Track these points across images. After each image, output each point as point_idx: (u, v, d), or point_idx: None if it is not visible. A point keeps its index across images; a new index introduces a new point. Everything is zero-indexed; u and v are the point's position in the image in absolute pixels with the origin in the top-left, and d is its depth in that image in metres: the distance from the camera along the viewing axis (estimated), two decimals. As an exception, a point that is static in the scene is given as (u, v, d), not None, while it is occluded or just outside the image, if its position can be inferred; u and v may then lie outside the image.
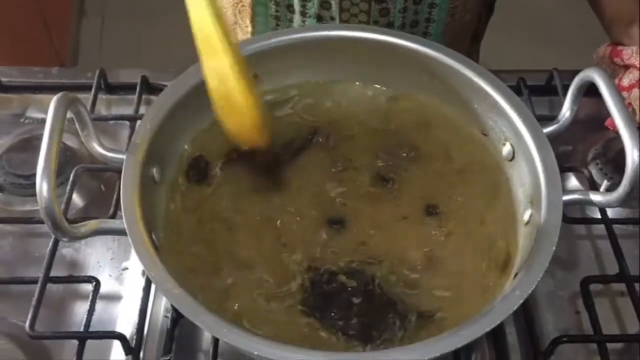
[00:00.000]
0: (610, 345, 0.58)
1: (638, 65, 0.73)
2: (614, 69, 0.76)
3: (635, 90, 0.73)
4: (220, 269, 0.56)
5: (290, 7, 0.76)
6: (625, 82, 0.74)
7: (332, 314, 0.53)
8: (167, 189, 0.59)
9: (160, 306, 0.62)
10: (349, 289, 0.54)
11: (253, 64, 0.65)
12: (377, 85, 0.68)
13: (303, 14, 0.76)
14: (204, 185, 0.60)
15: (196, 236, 0.57)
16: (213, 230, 0.58)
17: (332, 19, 0.76)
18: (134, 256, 0.65)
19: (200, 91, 0.61)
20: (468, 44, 0.86)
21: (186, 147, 0.62)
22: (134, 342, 0.58)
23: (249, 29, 0.80)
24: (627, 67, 0.75)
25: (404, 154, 0.64)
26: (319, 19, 0.76)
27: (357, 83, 0.68)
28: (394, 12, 0.75)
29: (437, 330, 0.52)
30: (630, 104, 0.74)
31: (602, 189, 0.68)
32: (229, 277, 0.55)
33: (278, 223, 0.58)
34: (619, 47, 0.75)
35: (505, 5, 0.90)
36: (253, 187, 0.61)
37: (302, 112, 0.67)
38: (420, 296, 0.55)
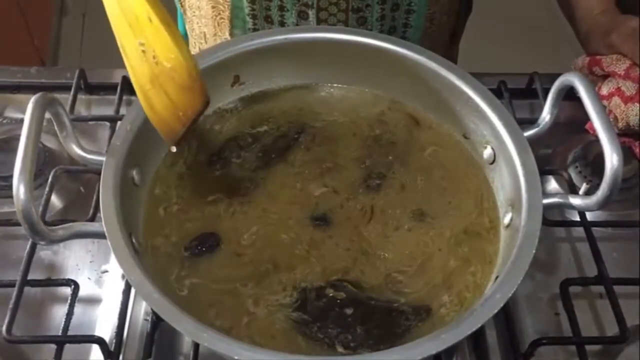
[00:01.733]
0: (589, 347, 0.59)
1: (619, 72, 0.73)
2: (592, 80, 0.77)
3: (616, 97, 0.74)
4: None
5: (268, 18, 0.76)
6: (605, 90, 0.75)
7: (329, 329, 0.53)
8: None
9: (140, 310, 0.62)
10: (338, 301, 0.54)
11: (235, 66, 0.65)
12: (360, 88, 0.68)
13: (281, 24, 0.77)
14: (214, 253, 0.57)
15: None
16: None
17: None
18: (113, 259, 0.64)
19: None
20: (446, 45, 0.87)
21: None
22: (113, 346, 0.57)
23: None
24: (605, 77, 0.76)
25: (388, 156, 0.64)
26: None
27: (341, 85, 0.68)
28: (372, 20, 0.75)
29: (438, 322, 0.53)
30: (611, 111, 0.74)
31: (581, 191, 0.69)
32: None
33: (260, 225, 0.58)
34: (598, 57, 0.76)
35: (486, 9, 0.91)
36: (236, 187, 0.61)
37: (287, 113, 0.67)
38: (409, 297, 0.55)
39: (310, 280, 0.55)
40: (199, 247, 0.56)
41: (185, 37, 0.94)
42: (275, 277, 0.55)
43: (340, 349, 0.52)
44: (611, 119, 0.73)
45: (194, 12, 0.85)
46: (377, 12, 0.75)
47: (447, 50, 0.88)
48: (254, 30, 0.78)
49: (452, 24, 0.85)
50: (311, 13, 0.75)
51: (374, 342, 0.52)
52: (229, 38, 0.80)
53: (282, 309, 0.54)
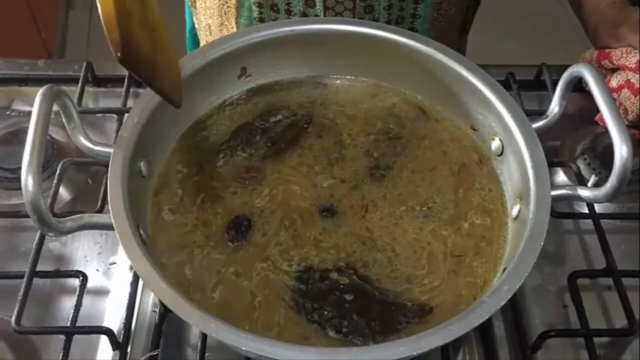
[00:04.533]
0: (597, 339, 0.59)
1: (629, 65, 0.73)
2: (602, 73, 0.76)
3: (625, 90, 0.73)
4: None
5: (274, 7, 0.76)
6: (614, 83, 0.75)
7: (326, 313, 0.53)
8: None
9: (148, 301, 0.62)
10: (341, 286, 0.54)
11: (242, 58, 0.64)
12: (368, 80, 0.68)
13: (288, 12, 0.76)
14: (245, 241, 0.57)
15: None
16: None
17: (317, 17, 0.76)
18: (121, 250, 0.64)
19: (188, 84, 0.61)
20: (456, 37, 0.86)
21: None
22: (121, 337, 0.58)
23: (234, 30, 0.80)
24: (614, 70, 0.75)
25: (395, 148, 0.64)
26: (304, 17, 0.76)
27: (348, 77, 0.68)
28: (379, 9, 0.75)
29: (436, 322, 0.52)
30: (621, 103, 0.74)
31: (589, 183, 0.68)
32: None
33: (270, 214, 0.59)
34: (607, 50, 0.75)
35: (495, 0, 0.90)
36: (244, 177, 0.61)
37: (295, 104, 0.67)
38: (412, 290, 0.55)
39: (317, 263, 0.56)
40: (239, 232, 0.57)
41: (193, 30, 0.94)
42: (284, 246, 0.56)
43: (332, 333, 0.52)
44: (620, 112, 0.73)
45: (200, 3, 0.84)
46: (385, 0, 0.74)
47: (456, 42, 0.87)
48: (260, 19, 0.78)
49: (461, 16, 0.84)
50: (318, 0, 0.74)
51: (369, 332, 0.52)
52: (235, 28, 0.80)
53: (282, 274, 0.54)
